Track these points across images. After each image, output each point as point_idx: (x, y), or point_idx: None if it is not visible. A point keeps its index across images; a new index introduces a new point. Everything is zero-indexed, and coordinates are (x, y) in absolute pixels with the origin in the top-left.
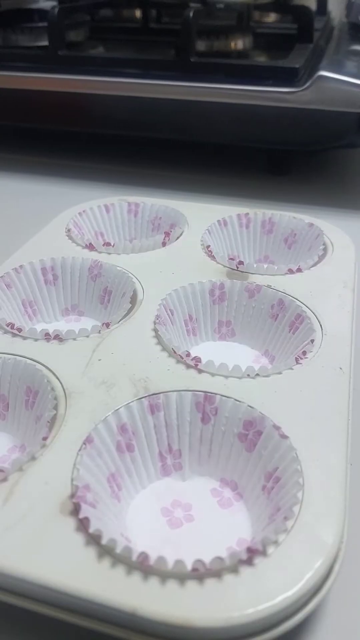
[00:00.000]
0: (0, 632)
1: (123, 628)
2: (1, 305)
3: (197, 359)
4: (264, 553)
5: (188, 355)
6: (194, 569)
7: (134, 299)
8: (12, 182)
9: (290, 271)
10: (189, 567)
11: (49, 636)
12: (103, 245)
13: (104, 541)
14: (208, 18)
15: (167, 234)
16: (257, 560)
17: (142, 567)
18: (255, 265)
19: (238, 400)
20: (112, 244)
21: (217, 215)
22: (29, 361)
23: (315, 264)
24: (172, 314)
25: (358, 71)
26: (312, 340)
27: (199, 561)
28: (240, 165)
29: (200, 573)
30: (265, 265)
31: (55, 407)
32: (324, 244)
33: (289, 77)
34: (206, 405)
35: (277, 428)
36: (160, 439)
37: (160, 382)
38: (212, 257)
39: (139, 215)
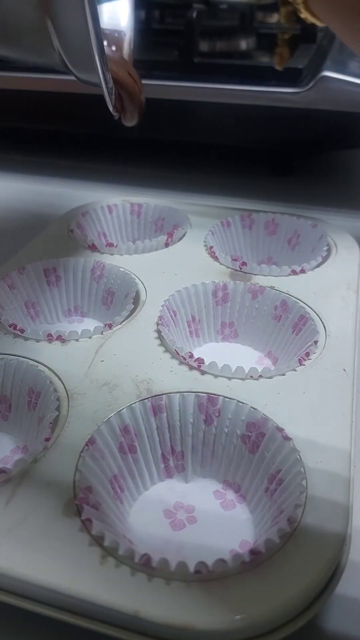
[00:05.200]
0: (1, 633)
1: (125, 630)
2: (4, 306)
3: (200, 360)
4: (267, 555)
5: (191, 356)
6: (197, 571)
7: (136, 300)
8: (15, 183)
9: (294, 272)
10: (192, 569)
11: (50, 638)
12: (106, 246)
13: (106, 543)
14: (211, 19)
15: (169, 235)
16: (260, 562)
17: (145, 569)
18: (258, 267)
19: (241, 402)
20: (115, 245)
21: (220, 216)
22: (31, 362)
23: (318, 265)
24: (175, 315)
25: None
26: (316, 342)
27: (202, 563)
28: (243, 166)
29: (203, 575)
30: (269, 267)
31: (58, 408)
32: (327, 245)
33: (292, 77)
34: (209, 407)
35: (280, 430)
36: (162, 441)
37: (163, 383)
38: (215, 258)
39: (142, 216)
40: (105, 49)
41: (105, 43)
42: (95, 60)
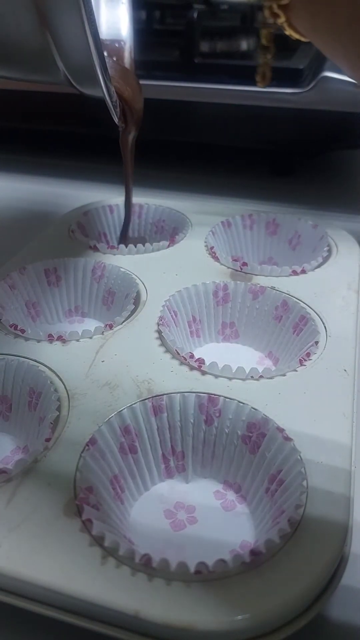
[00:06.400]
0: (1, 633)
1: (125, 630)
2: (5, 307)
3: (201, 361)
4: (267, 556)
5: (191, 356)
6: (197, 572)
7: (137, 300)
8: (16, 183)
9: (295, 272)
10: (192, 569)
11: (50, 638)
12: (108, 248)
13: (106, 543)
14: (212, 19)
15: (172, 240)
16: (261, 563)
17: (145, 569)
18: (259, 267)
19: (242, 402)
20: (117, 248)
21: (221, 216)
22: (32, 362)
23: (319, 266)
24: (176, 315)
25: None
26: (316, 342)
27: (202, 564)
28: (244, 166)
29: (204, 576)
30: (269, 267)
31: (58, 409)
32: (328, 246)
33: (293, 78)
34: (210, 407)
35: (281, 430)
36: (163, 441)
37: (163, 383)
38: (216, 259)
39: (143, 217)
40: (107, 61)
41: (105, 54)
42: (99, 78)
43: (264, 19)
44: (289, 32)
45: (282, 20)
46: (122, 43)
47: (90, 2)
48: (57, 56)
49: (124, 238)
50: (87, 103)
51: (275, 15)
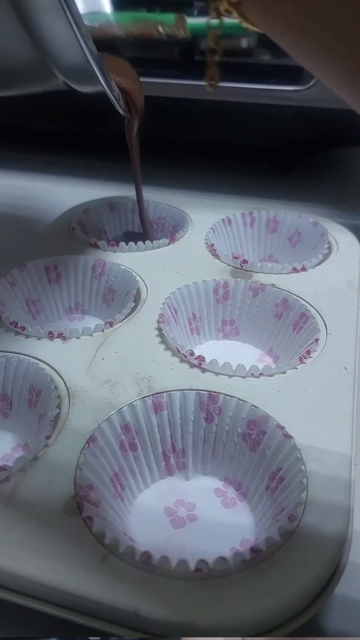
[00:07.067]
0: (1, 631)
1: (125, 628)
2: (5, 304)
3: (201, 358)
4: (267, 554)
5: (192, 354)
6: (197, 569)
7: (137, 298)
8: (16, 181)
9: (295, 270)
10: (192, 567)
11: (50, 635)
12: (108, 245)
13: (107, 541)
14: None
15: (172, 237)
16: (261, 560)
17: (145, 566)
18: (259, 264)
19: (242, 400)
20: (117, 245)
21: (221, 213)
22: (32, 360)
23: (319, 263)
24: (176, 313)
25: None
26: (317, 340)
27: (202, 561)
28: (245, 163)
29: (204, 573)
30: (270, 264)
31: (59, 406)
32: (328, 243)
33: (293, 75)
34: (210, 405)
35: (281, 428)
36: (163, 438)
37: (163, 381)
38: (216, 256)
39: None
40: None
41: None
42: (99, 78)
43: (211, 17)
44: (245, 25)
45: (234, 16)
46: (103, 15)
47: (75, 4)
48: (54, 68)
49: (145, 227)
50: (87, 100)
51: (227, 12)
